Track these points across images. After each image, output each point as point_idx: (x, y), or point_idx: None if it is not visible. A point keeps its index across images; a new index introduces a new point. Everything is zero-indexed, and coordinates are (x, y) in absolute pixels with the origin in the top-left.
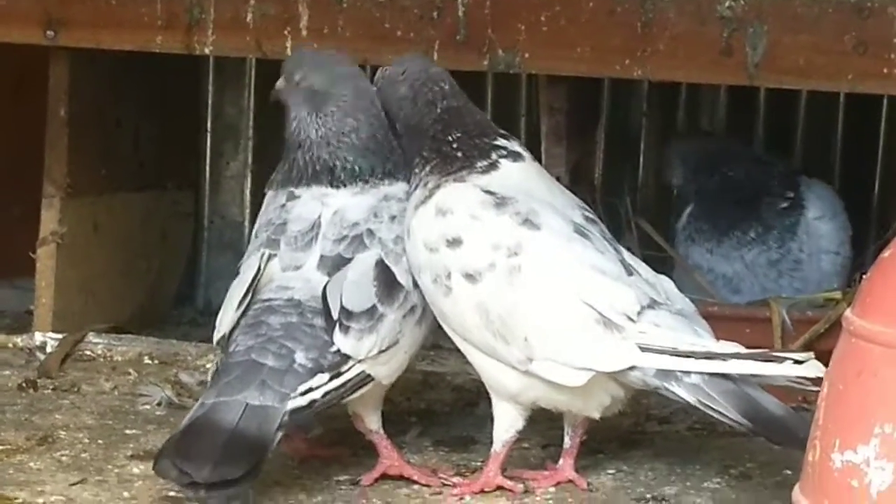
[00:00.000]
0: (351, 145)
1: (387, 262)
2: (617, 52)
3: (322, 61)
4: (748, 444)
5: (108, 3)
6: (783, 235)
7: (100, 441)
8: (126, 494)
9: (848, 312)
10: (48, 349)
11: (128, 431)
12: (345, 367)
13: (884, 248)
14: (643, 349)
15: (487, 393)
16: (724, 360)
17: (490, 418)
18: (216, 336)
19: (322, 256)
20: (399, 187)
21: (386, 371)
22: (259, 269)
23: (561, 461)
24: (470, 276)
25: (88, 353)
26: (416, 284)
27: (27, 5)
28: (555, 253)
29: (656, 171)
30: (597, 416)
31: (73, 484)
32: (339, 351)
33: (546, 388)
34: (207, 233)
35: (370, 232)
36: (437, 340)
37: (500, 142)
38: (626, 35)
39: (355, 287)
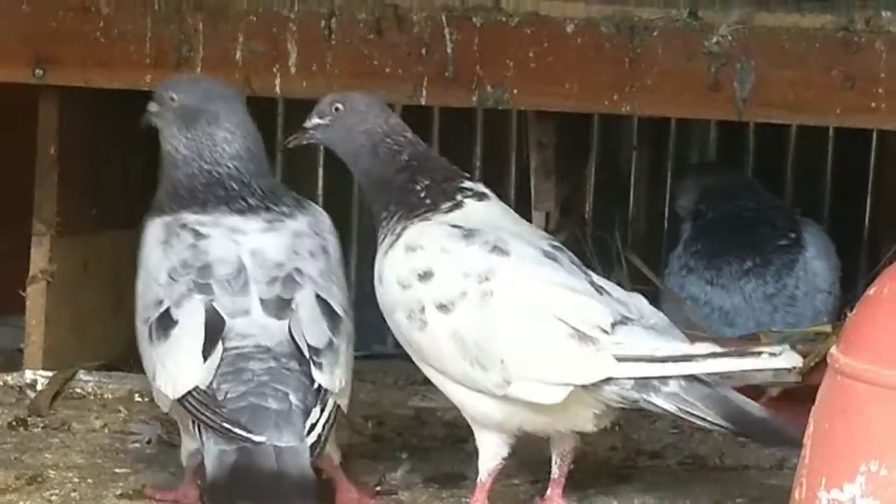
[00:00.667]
0: (230, 154)
1: (322, 295)
2: (605, 87)
3: (192, 82)
4: (738, 478)
5: (97, 41)
6: (781, 271)
7: (89, 480)
8: None
9: (833, 350)
10: (38, 387)
11: (118, 470)
12: (325, 403)
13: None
14: (619, 359)
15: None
16: (702, 359)
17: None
18: (181, 389)
19: (262, 300)
20: (301, 221)
21: (345, 400)
22: (208, 316)
23: (549, 492)
24: (443, 307)
25: (79, 390)
26: (346, 312)
27: (15, 44)
28: (525, 275)
29: (647, 205)
30: (577, 439)
31: None
32: (318, 388)
33: (526, 412)
34: None
35: (298, 270)
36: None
37: (466, 184)
38: (615, 71)
39: (311, 324)
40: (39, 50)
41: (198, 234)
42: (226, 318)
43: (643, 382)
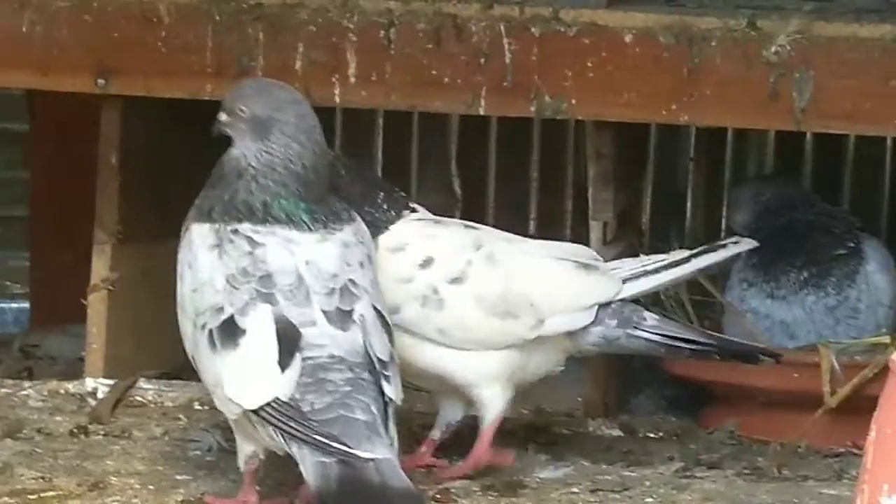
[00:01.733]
0: (300, 167)
1: (377, 306)
2: (663, 97)
3: (262, 90)
4: (797, 488)
5: (159, 51)
6: (841, 283)
7: (150, 486)
8: None
9: (895, 356)
10: (99, 395)
11: (178, 477)
12: (390, 414)
13: None
14: (623, 280)
15: (536, 437)
16: (687, 262)
17: (538, 463)
18: (259, 399)
19: (325, 311)
20: (347, 231)
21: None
22: (280, 326)
23: (423, 448)
24: (456, 280)
25: (139, 398)
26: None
27: (78, 54)
28: (504, 237)
29: (705, 216)
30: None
31: None
32: (387, 399)
33: (524, 361)
34: None
35: (352, 281)
36: None
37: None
38: (673, 80)
39: (376, 336)
40: (102, 60)
41: (253, 242)
42: (299, 327)
43: (625, 319)
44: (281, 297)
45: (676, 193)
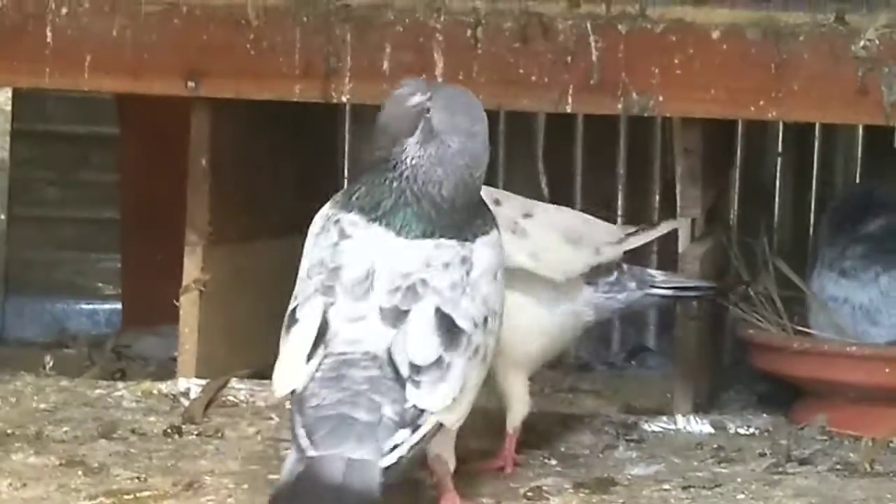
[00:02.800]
0: (430, 196)
1: (444, 309)
2: (751, 93)
3: (457, 103)
4: (890, 483)
5: (248, 53)
6: None
7: (244, 486)
8: None
9: None
10: (192, 395)
11: (271, 476)
12: (421, 420)
13: None
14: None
15: (626, 435)
16: (628, 238)
17: (629, 460)
18: (284, 389)
19: (381, 308)
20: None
21: (455, 417)
22: (323, 319)
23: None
24: (527, 215)
25: (231, 398)
26: (476, 325)
27: (168, 58)
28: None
29: (793, 211)
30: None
31: None
32: (415, 406)
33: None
34: None
35: (423, 281)
36: (574, 383)
37: None
38: (760, 76)
39: (420, 338)
40: (191, 63)
41: (343, 234)
42: (337, 322)
43: (641, 279)
44: (340, 291)
45: (764, 189)
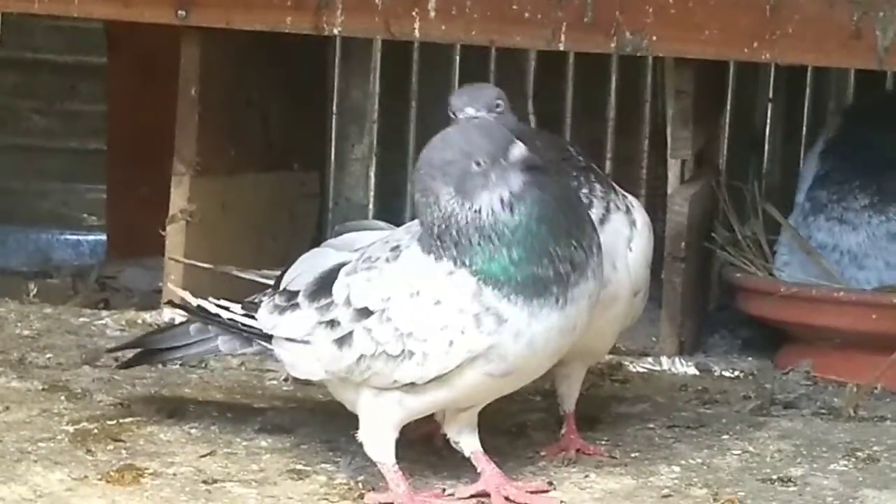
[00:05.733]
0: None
1: None
2: (745, 34)
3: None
4: (874, 428)
5: None
6: None
7: (228, 415)
8: (254, 467)
9: None
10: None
11: (255, 405)
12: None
13: None
14: None
15: (612, 375)
16: None
17: (614, 399)
18: None
19: None
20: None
21: None
22: None
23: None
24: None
25: None
26: None
27: None
28: None
29: (782, 156)
30: None
31: (203, 456)
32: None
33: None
34: (332, 214)
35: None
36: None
37: None
38: (755, 18)
39: None
40: None
41: None
42: None
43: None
44: None
45: (754, 134)
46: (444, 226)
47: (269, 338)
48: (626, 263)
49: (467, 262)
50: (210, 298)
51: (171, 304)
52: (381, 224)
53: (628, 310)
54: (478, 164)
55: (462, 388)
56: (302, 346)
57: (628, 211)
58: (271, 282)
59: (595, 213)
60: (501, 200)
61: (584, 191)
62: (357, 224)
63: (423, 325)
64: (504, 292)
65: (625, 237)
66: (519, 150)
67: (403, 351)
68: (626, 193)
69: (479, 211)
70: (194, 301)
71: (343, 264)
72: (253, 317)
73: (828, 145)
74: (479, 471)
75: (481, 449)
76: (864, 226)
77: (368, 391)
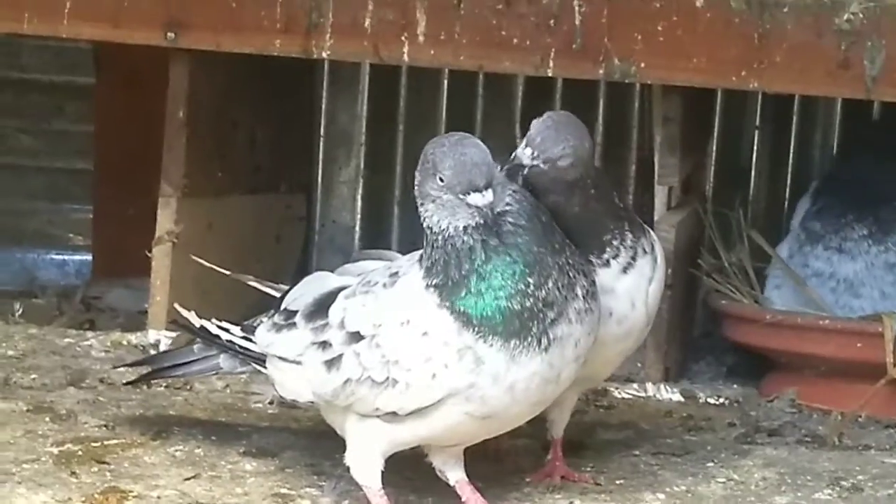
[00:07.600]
0: None
1: None
2: (733, 63)
3: None
4: (859, 456)
5: (228, 5)
6: None
7: (213, 437)
8: (239, 490)
9: None
10: (162, 347)
11: (240, 429)
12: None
13: None
14: None
15: (597, 401)
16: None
17: (600, 425)
18: None
19: None
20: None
21: None
22: None
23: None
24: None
25: None
26: None
27: (149, 7)
28: None
29: (769, 185)
30: None
31: (187, 479)
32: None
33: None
34: (319, 236)
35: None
36: None
37: None
38: (743, 46)
39: None
40: (172, 13)
41: None
42: None
43: None
44: None
45: (741, 162)
46: (430, 261)
47: (263, 361)
48: (646, 300)
49: (449, 299)
50: (213, 320)
51: (174, 323)
52: (397, 255)
53: (639, 339)
54: (459, 197)
55: (443, 425)
56: (293, 366)
57: (652, 250)
58: (279, 294)
59: (620, 262)
60: (483, 242)
61: (615, 242)
62: (377, 253)
63: (409, 354)
64: (479, 332)
65: (647, 278)
66: (486, 196)
67: (388, 378)
68: (649, 229)
69: (458, 248)
70: (198, 322)
71: (344, 287)
72: (250, 339)
73: (820, 183)
74: (463, 500)
75: (466, 478)
76: (863, 255)
77: (354, 415)
